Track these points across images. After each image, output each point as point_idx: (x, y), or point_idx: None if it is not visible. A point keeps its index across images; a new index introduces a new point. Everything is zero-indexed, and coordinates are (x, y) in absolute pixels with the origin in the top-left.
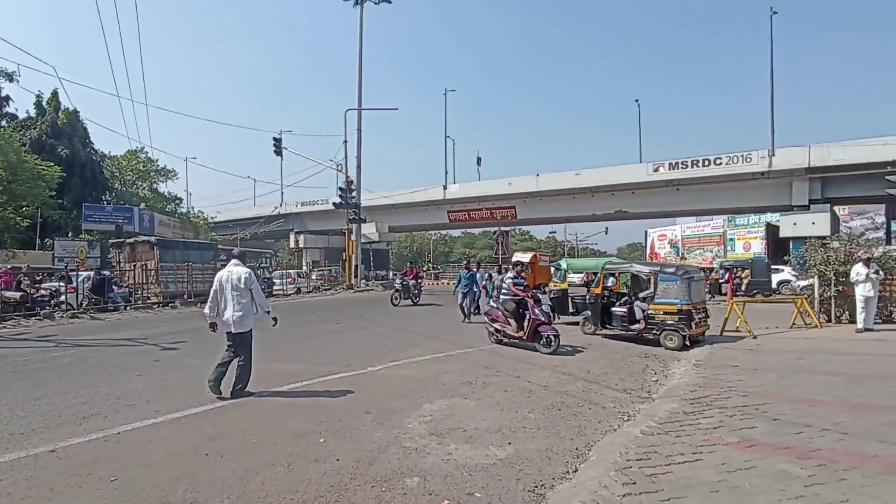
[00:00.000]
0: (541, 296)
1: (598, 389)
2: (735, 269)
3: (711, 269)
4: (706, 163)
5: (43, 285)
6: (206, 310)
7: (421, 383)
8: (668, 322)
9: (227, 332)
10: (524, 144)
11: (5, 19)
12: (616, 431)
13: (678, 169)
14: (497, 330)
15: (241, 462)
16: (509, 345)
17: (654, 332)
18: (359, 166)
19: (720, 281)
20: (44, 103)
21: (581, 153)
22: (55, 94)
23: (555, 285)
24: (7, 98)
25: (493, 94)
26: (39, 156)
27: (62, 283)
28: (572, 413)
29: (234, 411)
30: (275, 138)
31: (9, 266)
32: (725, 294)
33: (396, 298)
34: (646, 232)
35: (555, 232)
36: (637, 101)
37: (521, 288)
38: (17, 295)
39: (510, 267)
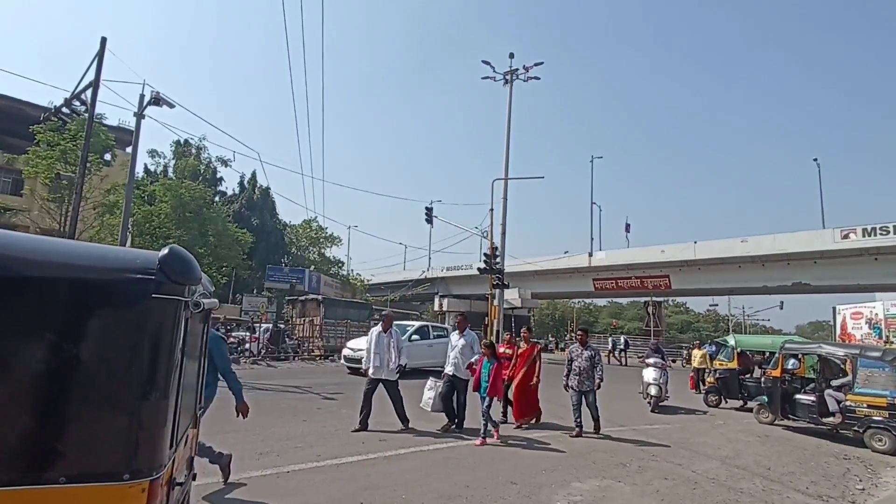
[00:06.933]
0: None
1: (782, 491)
2: None
3: None
4: None
5: (232, 334)
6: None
7: (568, 459)
8: (876, 418)
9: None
10: (677, 211)
11: (223, 116)
12: None
13: (875, 235)
14: None
15: None
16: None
17: (856, 428)
18: (503, 233)
19: None
20: (245, 182)
21: (739, 219)
22: (254, 174)
23: (721, 364)
24: (221, 179)
25: (643, 160)
26: (237, 225)
27: (248, 333)
28: None
29: (384, 465)
30: (427, 208)
31: None
32: None
33: None
34: (834, 308)
35: (716, 305)
36: (816, 160)
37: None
38: None
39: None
